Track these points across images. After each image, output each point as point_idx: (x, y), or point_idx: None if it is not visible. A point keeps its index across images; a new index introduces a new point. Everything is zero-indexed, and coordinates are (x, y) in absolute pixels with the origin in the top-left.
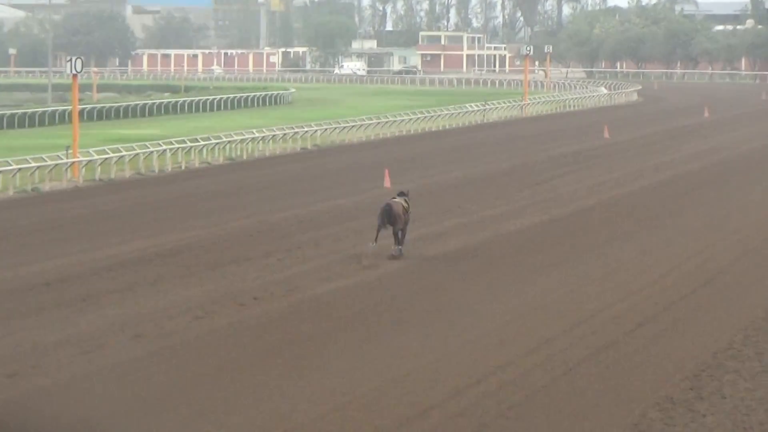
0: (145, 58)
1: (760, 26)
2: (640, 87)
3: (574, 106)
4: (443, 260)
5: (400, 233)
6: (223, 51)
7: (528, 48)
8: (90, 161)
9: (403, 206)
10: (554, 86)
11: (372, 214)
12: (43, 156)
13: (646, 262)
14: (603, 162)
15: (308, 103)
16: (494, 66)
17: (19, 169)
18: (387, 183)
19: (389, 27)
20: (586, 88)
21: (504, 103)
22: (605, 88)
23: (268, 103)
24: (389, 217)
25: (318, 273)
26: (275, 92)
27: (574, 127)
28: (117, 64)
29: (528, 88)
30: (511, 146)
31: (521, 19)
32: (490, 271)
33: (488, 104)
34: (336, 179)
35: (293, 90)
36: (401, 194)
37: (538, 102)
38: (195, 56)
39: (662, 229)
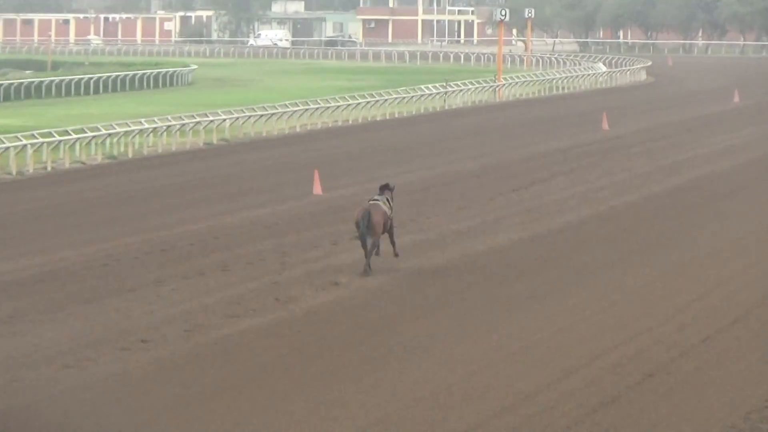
0: None
1: None
2: (649, 63)
3: (563, 87)
4: (391, 290)
5: (386, 243)
6: (102, 16)
7: (503, 12)
8: None
9: (384, 208)
10: (537, 62)
11: (301, 228)
12: None
13: (657, 293)
14: (601, 162)
15: (214, 83)
16: (459, 36)
17: None
18: (317, 188)
19: None
20: (579, 64)
21: (471, 83)
22: (604, 64)
23: (161, 84)
24: (367, 226)
25: (226, 307)
26: (171, 69)
27: (563, 116)
28: None
29: (503, 65)
30: (480, 140)
31: None
32: (453, 305)
33: (450, 85)
34: (251, 184)
35: (194, 67)
36: (385, 189)
37: (516, 82)
38: (66, 22)
39: (678, 250)
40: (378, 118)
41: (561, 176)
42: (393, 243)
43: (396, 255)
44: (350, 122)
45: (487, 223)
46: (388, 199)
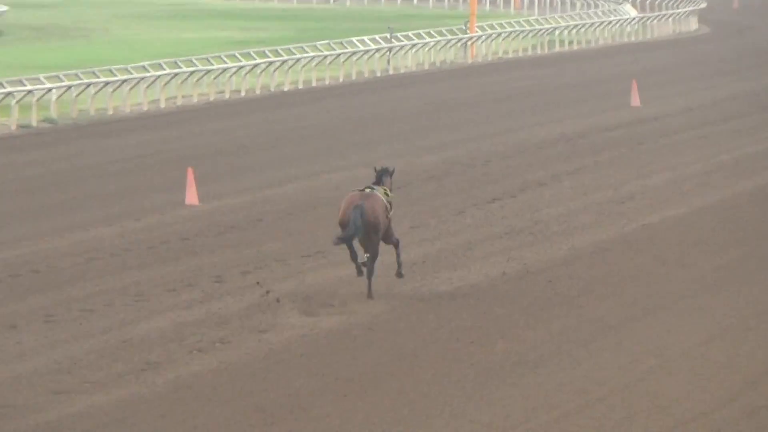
0: None
1: None
2: (703, 5)
3: (570, 41)
4: (305, 352)
5: (388, 248)
6: None
7: None
8: None
9: (384, 202)
10: (530, 2)
11: (167, 257)
12: None
13: (715, 358)
14: (628, 155)
15: (34, 33)
16: None
17: None
18: (191, 197)
19: None
20: (596, 6)
21: (430, 35)
22: (634, 6)
23: None
24: (364, 226)
25: (51, 378)
26: None
27: (572, 85)
28: None
29: (478, 6)
30: (443, 122)
31: None
32: (399, 375)
33: (398, 38)
34: (89, 188)
35: (4, 9)
36: (383, 173)
37: (499, 34)
38: None
39: (747, 292)
40: (286, 89)
41: (567, 178)
42: (396, 248)
43: (401, 275)
44: (243, 94)
45: (454, 249)
46: (387, 192)
